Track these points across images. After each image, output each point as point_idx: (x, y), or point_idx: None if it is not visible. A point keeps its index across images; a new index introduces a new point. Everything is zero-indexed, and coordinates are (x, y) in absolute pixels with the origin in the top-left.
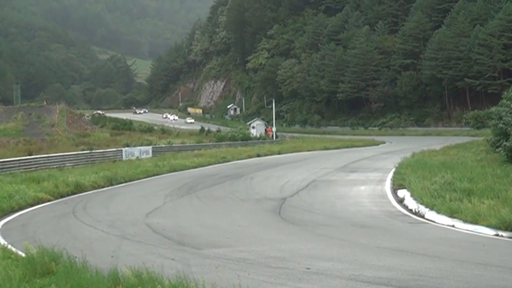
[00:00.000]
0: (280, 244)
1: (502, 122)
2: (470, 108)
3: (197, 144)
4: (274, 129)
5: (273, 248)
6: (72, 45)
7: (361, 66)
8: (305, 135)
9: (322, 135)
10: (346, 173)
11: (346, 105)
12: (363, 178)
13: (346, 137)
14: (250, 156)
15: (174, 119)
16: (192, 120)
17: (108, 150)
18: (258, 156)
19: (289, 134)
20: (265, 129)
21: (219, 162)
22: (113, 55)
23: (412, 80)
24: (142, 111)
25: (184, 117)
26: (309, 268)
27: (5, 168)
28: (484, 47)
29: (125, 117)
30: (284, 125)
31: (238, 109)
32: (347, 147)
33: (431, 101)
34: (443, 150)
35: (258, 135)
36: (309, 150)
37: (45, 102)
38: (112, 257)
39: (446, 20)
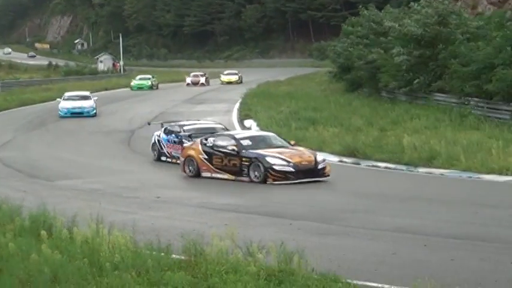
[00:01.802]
0: (130, 175)
1: (342, 57)
2: (313, 40)
3: (45, 78)
4: (121, 63)
5: (123, 179)
6: None
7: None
8: (152, 68)
9: (170, 68)
10: (194, 104)
11: (192, 39)
12: (211, 109)
13: (194, 70)
14: (97, 90)
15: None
16: (10, 50)
17: None
18: (106, 89)
19: (137, 68)
20: (113, 64)
21: None
22: None
23: (256, 13)
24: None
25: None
26: (159, 197)
27: None
28: None
29: None
30: (131, 59)
31: (85, 44)
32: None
33: (276, 34)
34: (288, 80)
35: (106, 69)
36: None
37: None
38: None
39: None
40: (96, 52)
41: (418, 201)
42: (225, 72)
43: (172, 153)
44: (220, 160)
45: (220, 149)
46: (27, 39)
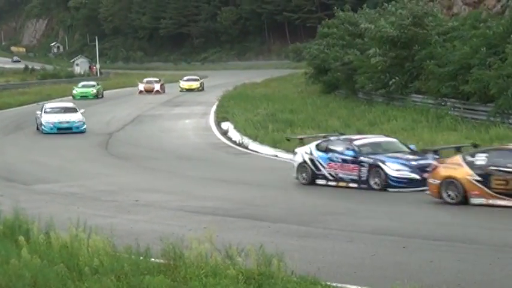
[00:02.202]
0: (108, 178)
1: (318, 59)
2: (289, 41)
3: (22, 82)
4: (98, 66)
5: (101, 182)
6: None
7: (182, 2)
8: (129, 71)
9: (146, 71)
10: (171, 107)
11: (168, 41)
12: (187, 112)
13: (170, 72)
14: None
15: None
16: None
17: None
18: None
19: (113, 71)
20: (89, 67)
21: (44, 100)
22: None
23: (232, 15)
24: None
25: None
26: (137, 200)
27: None
28: None
29: None
30: (108, 62)
31: (61, 47)
32: (170, 82)
33: (252, 35)
34: (264, 82)
35: (82, 72)
36: (133, 86)
37: None
38: None
39: None
40: (72, 55)
41: (396, 203)
42: (185, 78)
43: (340, 174)
44: (503, 183)
45: (504, 168)
46: (3, 43)
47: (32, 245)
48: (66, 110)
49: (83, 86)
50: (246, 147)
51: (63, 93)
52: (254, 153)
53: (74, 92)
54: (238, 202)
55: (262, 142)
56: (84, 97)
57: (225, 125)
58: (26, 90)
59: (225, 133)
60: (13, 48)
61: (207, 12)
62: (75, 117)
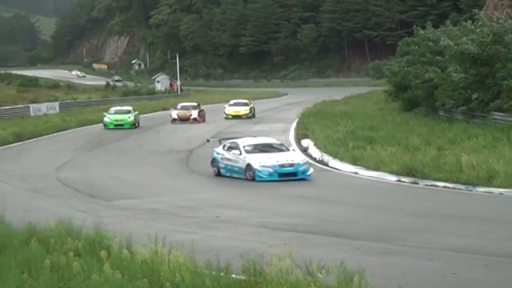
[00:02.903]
0: (188, 194)
1: (398, 77)
2: (369, 59)
3: (103, 99)
4: (178, 83)
5: (182, 198)
6: None
7: (262, 19)
8: (209, 88)
9: (226, 88)
10: (251, 124)
11: (248, 59)
12: (268, 129)
13: (250, 90)
14: (155, 110)
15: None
16: (84, 74)
17: (15, 106)
18: (164, 109)
19: (194, 88)
20: (170, 84)
21: None
22: (17, 13)
23: (312, 33)
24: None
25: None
26: (218, 217)
27: None
28: None
29: (30, 74)
30: (188, 79)
31: (142, 64)
32: (251, 99)
33: (332, 53)
34: (344, 100)
35: (163, 89)
36: (213, 103)
37: None
38: (24, 210)
39: None
40: (153, 72)
41: (477, 221)
42: (231, 103)
43: None
44: None
45: None
46: (85, 60)
47: (113, 260)
48: (272, 147)
49: (117, 112)
50: (326, 164)
51: (144, 110)
52: (334, 170)
53: (106, 119)
54: (319, 219)
55: (342, 159)
56: (118, 126)
57: (305, 142)
58: (107, 107)
59: (305, 150)
60: (95, 65)
61: (287, 30)
62: (298, 158)
